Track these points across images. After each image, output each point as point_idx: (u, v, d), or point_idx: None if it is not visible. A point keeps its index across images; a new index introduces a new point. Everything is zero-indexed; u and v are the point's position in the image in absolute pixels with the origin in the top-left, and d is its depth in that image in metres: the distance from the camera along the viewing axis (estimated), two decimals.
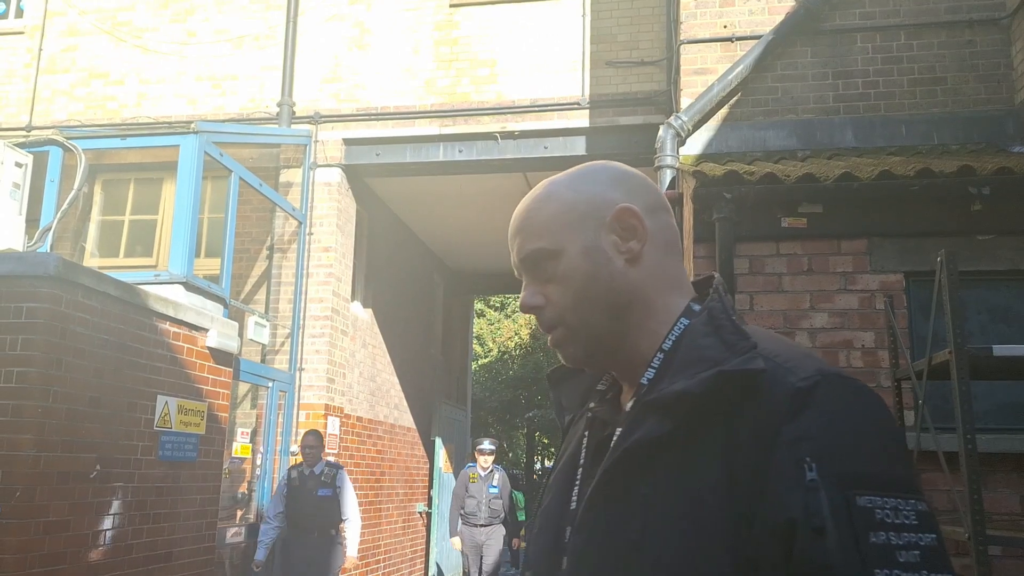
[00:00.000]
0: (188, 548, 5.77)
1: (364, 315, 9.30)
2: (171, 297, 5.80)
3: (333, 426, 7.93)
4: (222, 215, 7.12)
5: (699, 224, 5.08)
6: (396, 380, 10.22)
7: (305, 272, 7.92)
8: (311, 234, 8.01)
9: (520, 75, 7.93)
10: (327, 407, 7.82)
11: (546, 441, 26.03)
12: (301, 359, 7.79)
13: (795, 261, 4.99)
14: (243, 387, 7.64)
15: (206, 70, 8.51)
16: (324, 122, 8.18)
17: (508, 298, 23.48)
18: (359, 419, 8.82)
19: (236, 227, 7.13)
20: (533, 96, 7.85)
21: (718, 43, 5.99)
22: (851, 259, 4.95)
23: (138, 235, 8.34)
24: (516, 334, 23.56)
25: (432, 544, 11.16)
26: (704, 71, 5.96)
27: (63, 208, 6.54)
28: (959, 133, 5.54)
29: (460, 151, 8.04)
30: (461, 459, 12.06)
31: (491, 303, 23.97)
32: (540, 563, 1.01)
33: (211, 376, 6.14)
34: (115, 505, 5.07)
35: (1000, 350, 3.37)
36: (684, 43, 6.08)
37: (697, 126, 5.79)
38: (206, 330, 6.06)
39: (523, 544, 11.56)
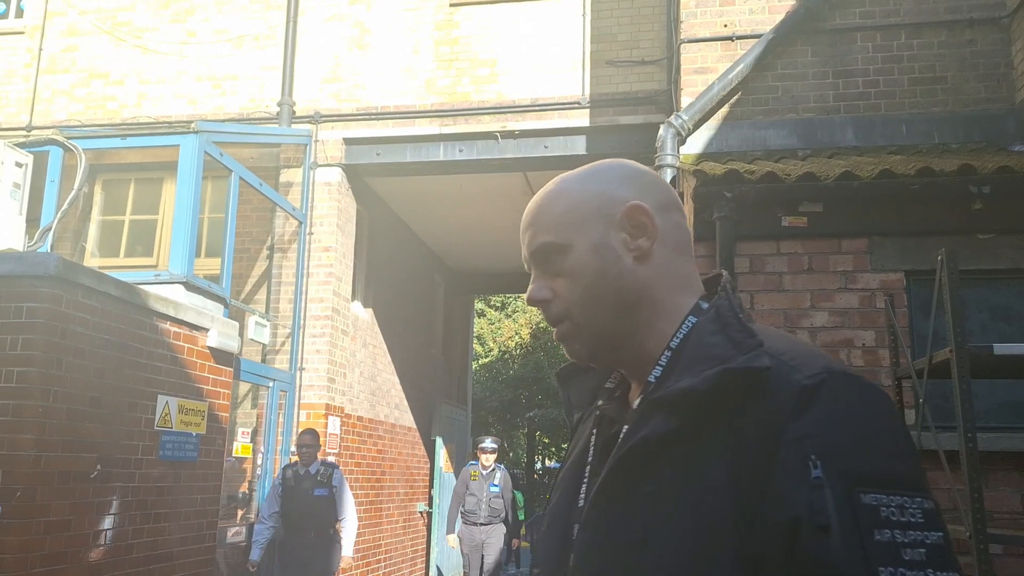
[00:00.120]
0: (189, 548, 5.77)
1: (364, 315, 9.30)
2: (171, 297, 5.80)
3: (334, 426, 7.93)
4: (222, 215, 7.12)
5: (699, 223, 5.08)
6: (397, 380, 10.22)
7: (305, 272, 7.92)
8: (311, 234, 8.01)
9: (520, 75, 7.93)
10: (328, 407, 7.82)
11: (546, 441, 26.04)
12: (302, 359, 7.79)
13: (795, 260, 4.99)
14: (244, 387, 7.65)
15: (206, 70, 8.51)
16: (324, 122, 8.18)
17: (508, 298, 23.49)
18: (360, 419, 8.83)
19: (236, 227, 7.13)
20: (533, 96, 7.85)
21: (718, 42, 5.99)
22: (851, 258, 4.95)
23: (138, 235, 8.34)
24: (516, 334, 23.56)
25: (433, 544, 11.16)
26: (704, 70, 5.96)
27: (63, 208, 6.54)
28: (959, 132, 5.54)
29: (460, 151, 8.04)
30: (462, 459, 12.06)
31: (492, 303, 23.97)
32: (548, 560, 1.01)
33: (212, 376, 6.14)
34: (116, 505, 5.07)
35: (1001, 349, 3.37)
36: (684, 42, 6.08)
37: (697, 125, 5.79)
38: (206, 330, 6.06)
39: (523, 543, 11.58)
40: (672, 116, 5.80)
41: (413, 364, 10.83)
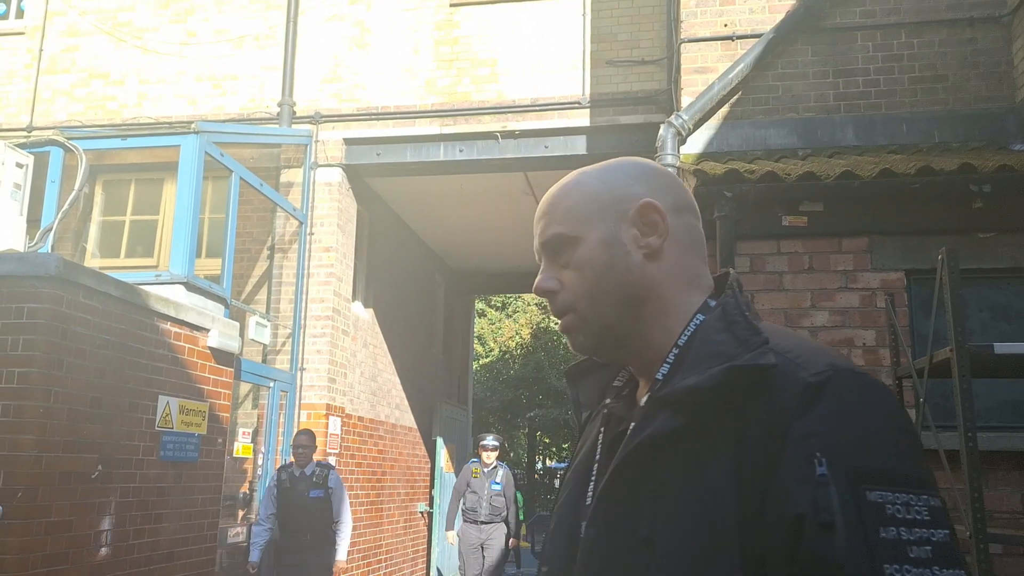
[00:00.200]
0: (189, 548, 5.78)
1: (365, 315, 9.30)
2: (172, 297, 5.80)
3: (334, 426, 7.93)
4: (223, 215, 7.13)
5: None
6: (397, 380, 10.22)
7: (306, 272, 7.92)
8: (312, 234, 8.01)
9: (520, 74, 7.93)
10: (328, 407, 7.82)
11: (547, 440, 26.05)
12: (302, 359, 7.79)
13: (796, 259, 4.99)
14: (244, 387, 7.65)
15: (206, 70, 8.51)
16: (324, 122, 8.18)
17: (509, 298, 23.50)
18: (360, 419, 8.83)
19: (237, 227, 7.13)
20: (533, 95, 7.85)
21: (719, 42, 5.99)
22: (852, 257, 4.95)
23: (139, 235, 8.34)
24: (517, 334, 23.57)
25: (433, 544, 11.17)
26: (705, 70, 5.96)
27: (64, 208, 6.55)
28: (960, 131, 5.54)
29: (461, 151, 8.04)
30: (462, 459, 12.06)
31: (492, 303, 23.98)
32: (556, 558, 1.01)
33: (212, 376, 6.14)
34: (116, 505, 5.07)
35: (1001, 348, 3.37)
36: (684, 42, 6.08)
37: (698, 125, 5.79)
38: (207, 330, 6.06)
39: (523, 543, 11.56)
40: (672, 116, 5.80)
41: (414, 364, 10.83)
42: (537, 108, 7.80)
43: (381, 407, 9.59)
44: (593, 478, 1.02)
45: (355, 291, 8.87)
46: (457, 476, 9.21)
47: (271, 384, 7.44)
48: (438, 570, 11.07)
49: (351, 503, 8.16)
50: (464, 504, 8.42)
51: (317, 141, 8.14)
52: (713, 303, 0.99)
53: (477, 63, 8.06)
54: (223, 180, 7.32)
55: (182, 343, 5.77)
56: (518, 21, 8.06)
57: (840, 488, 0.78)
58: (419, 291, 11.42)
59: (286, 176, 8.14)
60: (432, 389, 11.73)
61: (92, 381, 4.89)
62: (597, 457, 1.03)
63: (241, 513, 7.37)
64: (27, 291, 4.62)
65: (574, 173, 1.06)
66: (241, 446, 7.33)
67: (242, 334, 6.81)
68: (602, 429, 1.06)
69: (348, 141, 8.18)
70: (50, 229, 6.44)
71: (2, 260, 4.74)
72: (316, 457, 6.81)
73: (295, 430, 7.49)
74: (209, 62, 8.52)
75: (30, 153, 6.62)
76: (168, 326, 5.62)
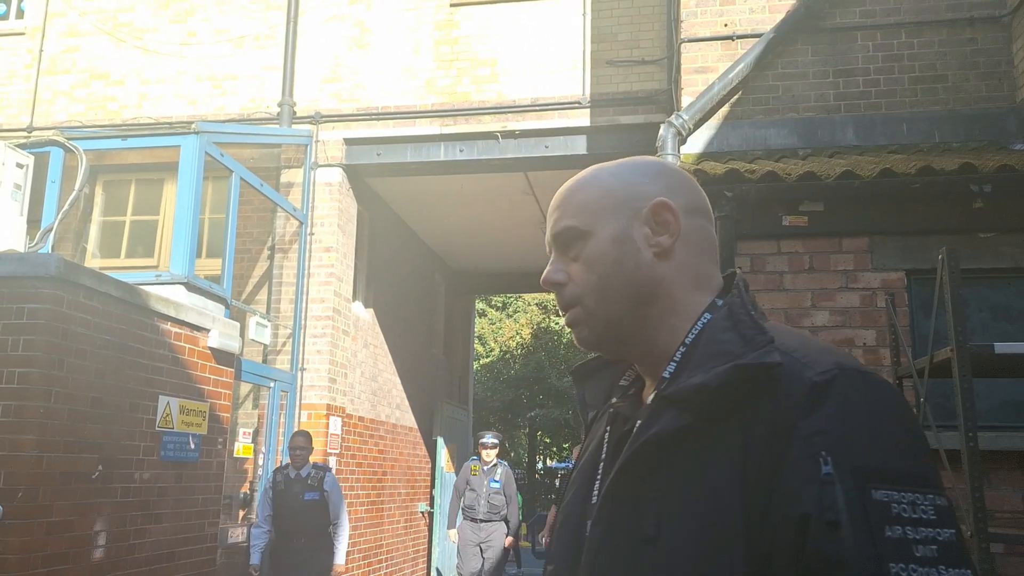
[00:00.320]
0: (190, 548, 5.78)
1: (365, 315, 9.30)
2: (172, 297, 5.80)
3: (335, 426, 7.93)
4: (223, 215, 7.13)
5: None
6: (398, 380, 10.23)
7: (306, 272, 7.92)
8: (312, 234, 8.01)
9: (521, 74, 7.93)
10: (329, 407, 7.82)
11: (548, 440, 26.05)
12: (303, 359, 7.79)
13: (796, 259, 4.99)
14: (245, 387, 7.65)
15: (206, 70, 8.51)
16: (325, 122, 8.18)
17: (510, 298, 23.50)
18: (361, 419, 8.83)
19: (237, 227, 7.13)
20: (534, 95, 7.85)
21: (719, 41, 5.99)
22: (852, 257, 4.95)
23: (139, 236, 8.34)
24: (517, 334, 23.57)
25: (434, 544, 11.17)
26: (705, 70, 5.96)
27: (64, 209, 6.55)
28: (960, 131, 5.54)
29: (461, 151, 8.04)
30: (463, 459, 12.05)
31: (493, 303, 23.98)
32: (561, 557, 1.01)
33: (213, 376, 6.14)
34: (117, 505, 5.07)
35: (1002, 348, 3.37)
36: (685, 42, 6.08)
37: (698, 125, 5.79)
38: (207, 330, 6.06)
39: (524, 543, 11.56)
40: (672, 116, 5.80)
41: (414, 364, 10.83)
42: (537, 108, 7.81)
43: (382, 407, 9.59)
44: (599, 477, 1.01)
45: (355, 291, 8.87)
46: (457, 476, 9.20)
47: (271, 384, 7.44)
48: (438, 570, 11.07)
49: (352, 503, 8.18)
50: (464, 502, 8.41)
51: (317, 141, 8.14)
52: (720, 302, 0.99)
53: (477, 63, 8.06)
54: (223, 180, 7.32)
55: (182, 343, 5.77)
56: (518, 21, 8.06)
57: (846, 487, 0.78)
58: (419, 291, 11.42)
59: (286, 176, 8.14)
60: (433, 389, 11.73)
61: (92, 381, 4.90)
62: (603, 456, 1.03)
63: (242, 513, 7.37)
64: (27, 291, 4.62)
65: (591, 168, 1.06)
66: (241, 446, 7.33)
67: (242, 334, 6.81)
68: (608, 428, 1.06)
69: (348, 141, 8.19)
70: (50, 229, 6.44)
71: (2, 260, 4.74)
72: (316, 458, 6.80)
73: (295, 430, 7.49)
74: (209, 62, 8.52)
75: (30, 153, 6.62)
76: (168, 326, 5.63)
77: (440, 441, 11.27)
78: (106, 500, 4.98)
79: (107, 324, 5.03)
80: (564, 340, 23.09)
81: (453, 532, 8.48)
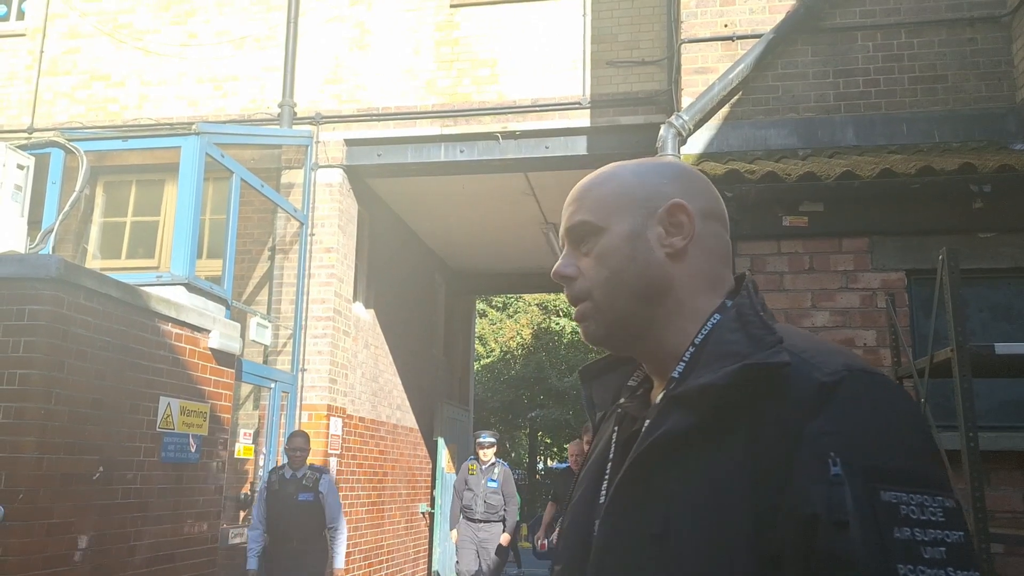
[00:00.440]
0: (190, 549, 5.78)
1: (366, 316, 9.30)
2: (173, 298, 5.81)
3: (335, 427, 7.93)
4: (224, 216, 7.13)
5: None
6: (398, 380, 10.23)
7: (307, 273, 7.92)
8: (313, 235, 8.02)
9: (521, 75, 7.94)
10: (329, 408, 7.82)
11: (548, 441, 26.04)
12: (303, 360, 7.79)
13: (796, 260, 4.99)
14: (245, 388, 7.65)
15: (207, 71, 8.52)
16: (325, 123, 8.19)
17: (510, 298, 23.49)
18: (361, 420, 8.83)
19: (238, 228, 7.13)
20: (534, 96, 7.86)
21: (719, 42, 5.99)
22: (852, 257, 4.95)
23: (140, 237, 8.35)
24: (518, 334, 23.56)
25: (435, 544, 11.17)
26: (705, 70, 5.96)
27: (65, 210, 6.55)
28: (960, 131, 5.54)
29: (461, 151, 8.04)
30: (463, 459, 12.04)
31: (493, 303, 23.98)
32: (569, 557, 1.01)
33: (213, 377, 6.14)
34: (117, 507, 5.07)
35: (1002, 348, 3.37)
36: (685, 42, 6.08)
37: (698, 125, 5.79)
38: (208, 331, 6.06)
39: (524, 543, 11.56)
40: (673, 116, 5.80)
41: (415, 365, 10.83)
42: (537, 109, 7.81)
43: (382, 408, 9.59)
44: (607, 477, 1.02)
45: (356, 292, 8.87)
46: (457, 476, 9.19)
47: (272, 385, 7.44)
48: (437, 573, 11.07)
49: (352, 504, 8.19)
50: (462, 501, 8.39)
51: (318, 142, 8.14)
52: (730, 303, 0.99)
53: (477, 64, 8.06)
54: (224, 181, 7.33)
55: (183, 344, 5.77)
56: (519, 22, 8.07)
57: (854, 488, 0.78)
58: (420, 292, 11.43)
59: (287, 177, 8.14)
60: (433, 390, 11.73)
61: (93, 383, 4.90)
62: (611, 456, 1.03)
63: (242, 514, 7.37)
64: (28, 293, 4.62)
65: (612, 165, 1.07)
66: (242, 447, 7.33)
67: (243, 335, 6.81)
68: (616, 428, 1.06)
69: (349, 142, 8.19)
70: (51, 231, 6.45)
71: (3, 262, 4.75)
72: (317, 459, 6.79)
73: (294, 431, 7.49)
74: (210, 63, 8.52)
75: (31, 155, 6.62)
76: (169, 327, 5.63)
77: (441, 442, 11.27)
78: (107, 501, 4.99)
79: (108, 325, 5.03)
80: (564, 341, 23.11)
81: (455, 533, 8.46)
